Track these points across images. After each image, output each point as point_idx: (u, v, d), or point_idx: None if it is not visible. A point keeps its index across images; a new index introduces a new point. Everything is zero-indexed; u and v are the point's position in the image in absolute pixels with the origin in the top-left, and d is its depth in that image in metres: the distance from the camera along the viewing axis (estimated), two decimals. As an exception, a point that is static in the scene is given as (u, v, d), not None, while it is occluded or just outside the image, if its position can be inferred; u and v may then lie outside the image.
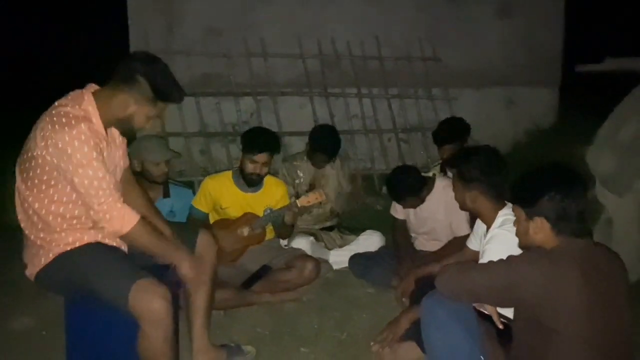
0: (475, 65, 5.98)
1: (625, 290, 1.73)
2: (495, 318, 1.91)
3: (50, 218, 1.97)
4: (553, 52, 6.27)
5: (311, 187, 3.72)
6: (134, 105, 1.98)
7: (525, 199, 1.81)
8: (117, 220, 1.94)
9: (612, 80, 4.11)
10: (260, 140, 3.19)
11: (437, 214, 3.23)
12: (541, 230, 1.76)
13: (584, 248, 1.73)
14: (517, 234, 1.89)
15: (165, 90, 2.01)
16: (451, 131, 3.66)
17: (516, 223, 1.88)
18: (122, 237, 2.00)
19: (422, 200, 3.25)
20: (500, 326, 1.91)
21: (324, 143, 3.74)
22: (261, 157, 3.14)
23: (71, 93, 2.00)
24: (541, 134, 6.17)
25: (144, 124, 2.05)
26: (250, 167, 3.16)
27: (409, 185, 3.18)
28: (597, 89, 5.45)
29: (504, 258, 1.83)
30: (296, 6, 5.60)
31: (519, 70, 6.13)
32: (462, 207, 2.51)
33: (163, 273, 2.17)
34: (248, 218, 3.21)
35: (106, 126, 2.01)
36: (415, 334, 2.24)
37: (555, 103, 6.44)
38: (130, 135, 2.12)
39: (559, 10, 6.29)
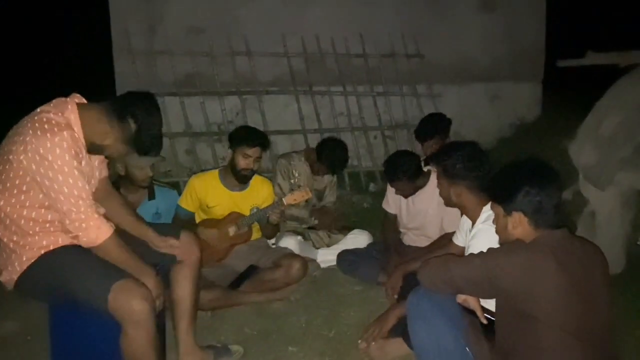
0: (459, 61, 6.02)
1: (603, 278, 1.76)
2: (479, 314, 1.93)
3: (22, 222, 1.94)
4: (535, 46, 6.32)
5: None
6: (112, 140, 1.99)
7: (501, 195, 1.84)
8: (93, 230, 1.93)
9: (593, 74, 4.16)
10: (254, 135, 3.22)
11: (429, 209, 3.23)
12: (519, 224, 1.80)
13: (560, 238, 1.76)
14: (496, 231, 1.92)
15: (147, 146, 2.03)
16: (432, 127, 3.69)
17: (495, 220, 1.90)
18: (94, 248, 1.98)
19: (415, 190, 3.25)
20: (484, 321, 1.93)
21: (333, 159, 3.75)
22: (255, 151, 3.14)
23: (54, 100, 1.98)
24: (525, 128, 6.23)
25: (112, 156, 2.10)
26: (243, 163, 3.15)
27: (407, 167, 3.18)
28: (579, 83, 5.50)
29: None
30: (279, 4, 5.60)
31: (502, 65, 6.18)
32: (447, 203, 2.52)
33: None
34: (234, 217, 3.20)
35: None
36: (402, 330, 2.25)
37: (538, 97, 6.51)
38: (93, 154, 2.10)
39: (540, 5, 6.34)
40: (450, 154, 2.42)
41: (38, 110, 1.94)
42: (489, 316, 1.96)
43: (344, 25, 5.69)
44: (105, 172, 2.24)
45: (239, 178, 3.21)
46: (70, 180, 1.85)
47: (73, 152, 1.86)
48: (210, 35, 5.36)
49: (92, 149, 2.02)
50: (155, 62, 5.20)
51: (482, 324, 1.96)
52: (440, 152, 2.57)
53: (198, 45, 5.31)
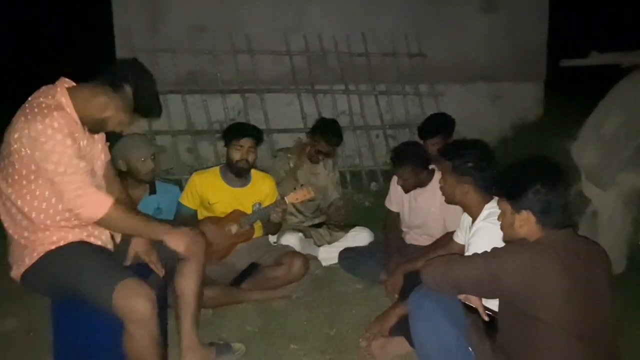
0: (461, 61, 6.01)
1: (607, 279, 1.76)
2: (480, 311, 1.93)
3: (34, 215, 1.95)
4: (538, 46, 6.31)
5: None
6: (113, 110, 1.99)
7: (511, 192, 1.84)
8: (91, 204, 1.92)
9: (596, 74, 4.15)
10: (243, 127, 3.30)
11: (432, 207, 3.23)
12: (526, 223, 1.80)
13: (564, 238, 1.77)
14: (501, 227, 1.92)
15: (148, 106, 2.03)
16: (436, 124, 3.69)
17: (501, 216, 1.90)
18: (98, 222, 1.97)
19: (417, 184, 3.25)
20: (486, 318, 1.93)
21: (331, 130, 3.83)
22: (246, 141, 3.16)
23: (43, 87, 1.99)
24: (527, 128, 6.22)
25: (116, 128, 2.07)
26: (237, 155, 3.16)
27: (415, 155, 3.22)
28: (581, 83, 5.50)
29: (488, 250, 1.85)
30: (281, 2, 5.60)
31: (504, 65, 6.17)
32: (449, 200, 2.51)
33: (148, 273, 2.17)
34: (236, 215, 3.21)
35: (79, 119, 2.00)
36: (403, 328, 2.25)
37: (540, 97, 6.49)
38: (97, 133, 2.10)
39: (543, 5, 6.33)
40: (462, 152, 2.41)
41: (29, 99, 1.95)
42: (490, 313, 1.96)
43: (346, 23, 5.69)
44: (108, 156, 2.24)
45: (237, 172, 3.22)
46: (65, 159, 1.86)
47: (66, 130, 1.86)
48: (212, 34, 5.36)
49: (94, 126, 2.03)
50: (157, 60, 5.20)
51: (484, 324, 1.96)
52: (451, 149, 2.53)
53: (200, 43, 5.31)
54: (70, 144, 1.87)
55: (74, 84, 2.03)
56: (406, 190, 3.31)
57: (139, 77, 2.00)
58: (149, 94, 2.03)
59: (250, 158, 3.20)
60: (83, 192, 1.90)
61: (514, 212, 1.82)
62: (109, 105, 1.98)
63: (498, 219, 1.94)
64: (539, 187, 1.75)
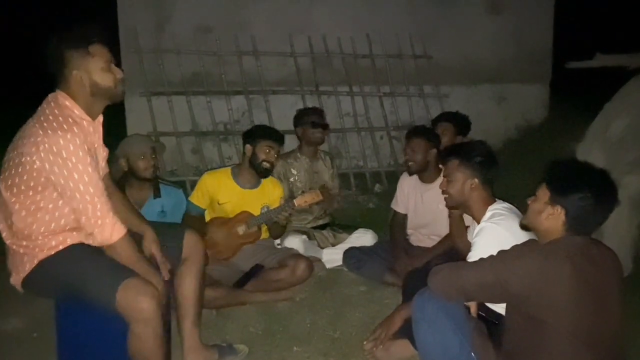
0: (466, 62, 6.00)
1: (617, 285, 1.75)
2: (472, 310, 1.95)
3: (34, 227, 1.94)
4: (543, 48, 6.29)
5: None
6: (82, 72, 1.92)
7: (558, 184, 1.78)
8: (108, 228, 1.94)
9: (602, 76, 4.13)
10: (274, 130, 3.41)
11: (439, 204, 3.21)
12: (555, 219, 1.76)
13: (580, 243, 1.74)
14: (527, 212, 1.87)
15: (75, 36, 1.94)
16: (451, 115, 3.81)
17: (532, 200, 1.85)
18: (107, 247, 1.98)
19: (422, 165, 3.28)
20: (475, 316, 1.94)
21: (310, 114, 3.89)
22: (276, 144, 3.27)
23: (49, 96, 1.97)
24: (532, 130, 6.20)
25: (108, 78, 1.97)
26: (264, 155, 3.23)
27: (433, 132, 3.38)
28: (587, 85, 5.47)
29: (494, 253, 1.84)
30: (286, 3, 5.60)
31: (509, 66, 6.15)
32: (454, 200, 2.49)
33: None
34: (244, 217, 3.21)
35: (89, 113, 1.98)
36: (408, 331, 2.24)
37: (545, 99, 6.48)
38: (117, 100, 2.04)
39: (548, 6, 6.31)
40: (468, 148, 2.45)
41: (39, 109, 1.94)
42: (494, 319, 1.96)
43: (351, 25, 5.69)
44: (106, 169, 2.24)
45: (261, 171, 3.26)
46: (86, 178, 1.86)
47: (86, 147, 1.87)
48: (217, 35, 5.37)
49: (101, 98, 1.98)
50: (162, 61, 5.22)
51: (488, 329, 1.96)
52: (455, 147, 2.56)
53: (205, 44, 5.31)
54: (90, 162, 1.87)
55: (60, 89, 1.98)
56: (410, 171, 3.33)
57: (56, 38, 1.93)
58: (68, 34, 1.93)
59: (276, 162, 3.29)
60: (102, 215, 1.91)
61: (550, 203, 1.76)
62: (77, 75, 1.91)
63: (528, 201, 1.89)
64: (589, 195, 1.71)
